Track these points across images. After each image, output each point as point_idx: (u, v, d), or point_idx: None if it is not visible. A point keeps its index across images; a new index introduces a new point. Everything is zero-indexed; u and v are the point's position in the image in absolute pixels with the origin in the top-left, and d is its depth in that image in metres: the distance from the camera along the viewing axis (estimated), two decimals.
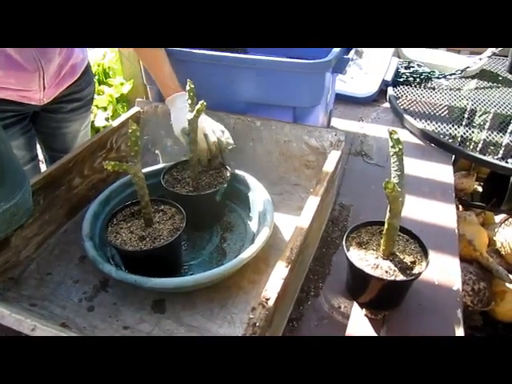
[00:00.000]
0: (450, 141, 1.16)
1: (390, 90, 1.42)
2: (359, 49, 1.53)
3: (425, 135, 1.19)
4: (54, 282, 0.76)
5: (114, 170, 0.67)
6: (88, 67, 1.17)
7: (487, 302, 1.28)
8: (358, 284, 0.72)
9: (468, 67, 1.47)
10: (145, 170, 0.86)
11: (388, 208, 0.63)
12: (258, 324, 0.52)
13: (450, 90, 1.44)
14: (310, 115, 1.01)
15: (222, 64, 0.98)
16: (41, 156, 1.23)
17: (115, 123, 0.98)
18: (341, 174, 1.04)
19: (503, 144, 1.17)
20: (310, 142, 0.93)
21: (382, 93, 1.43)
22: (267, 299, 0.55)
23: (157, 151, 1.07)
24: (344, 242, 0.71)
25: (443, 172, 1.07)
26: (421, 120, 1.25)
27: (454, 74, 1.48)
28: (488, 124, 1.27)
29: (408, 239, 0.72)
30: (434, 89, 1.45)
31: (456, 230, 0.88)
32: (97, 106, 2.17)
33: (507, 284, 1.29)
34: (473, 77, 1.53)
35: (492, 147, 1.17)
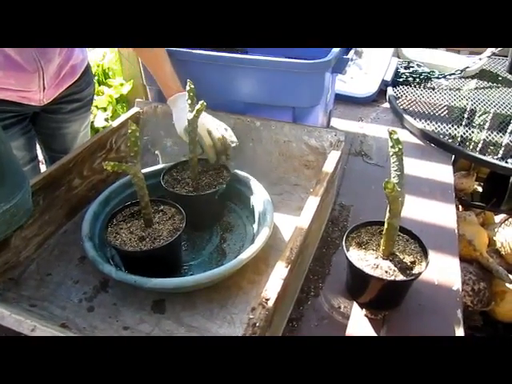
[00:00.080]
0: (450, 141, 1.16)
1: (390, 90, 1.42)
2: (359, 49, 1.53)
3: (424, 135, 1.19)
4: (54, 282, 0.76)
5: (113, 171, 0.67)
6: (88, 68, 1.17)
7: (487, 302, 1.28)
8: (357, 284, 0.72)
9: (468, 67, 1.47)
10: (144, 171, 0.86)
11: (388, 208, 0.63)
12: (257, 324, 0.52)
13: (450, 90, 1.44)
14: (309, 115, 1.01)
15: (221, 64, 0.98)
16: (41, 157, 1.23)
17: (115, 124, 0.98)
18: (340, 174, 1.04)
19: (503, 144, 1.17)
20: (309, 142, 0.93)
21: (381, 93, 1.44)
22: (267, 299, 0.55)
23: (156, 152, 1.07)
24: (344, 242, 0.71)
25: (443, 172, 1.07)
26: (420, 120, 1.25)
27: (453, 74, 1.48)
28: (488, 124, 1.27)
29: (408, 239, 0.72)
30: (433, 89, 1.45)
31: (456, 230, 0.88)
32: (96, 106, 2.17)
33: (507, 284, 1.29)
34: (472, 77, 1.53)
35: (492, 147, 1.17)
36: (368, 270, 0.66)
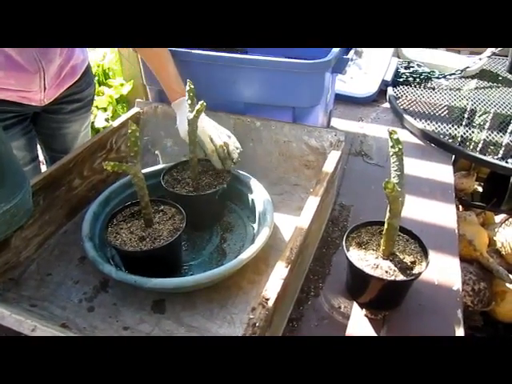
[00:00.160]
0: (450, 141, 1.16)
1: (390, 90, 1.42)
2: (359, 49, 1.53)
3: (425, 135, 1.19)
4: (54, 282, 0.76)
5: (113, 171, 0.67)
6: (88, 68, 1.17)
7: (487, 303, 1.28)
8: (358, 284, 0.72)
9: (468, 67, 1.47)
10: (145, 171, 0.87)
11: (388, 208, 0.63)
12: (257, 324, 0.52)
13: (450, 89, 1.44)
14: (309, 115, 1.01)
15: (221, 64, 0.98)
16: (41, 157, 1.23)
17: (115, 124, 0.98)
18: (341, 174, 1.04)
19: (503, 144, 1.17)
20: (309, 142, 0.93)
21: (381, 93, 1.43)
22: (267, 299, 0.55)
23: (157, 152, 1.07)
24: (344, 242, 0.71)
25: (443, 172, 1.07)
26: (421, 120, 1.25)
27: (453, 73, 1.48)
28: (488, 124, 1.27)
29: (408, 239, 0.72)
30: (433, 89, 1.45)
31: (456, 230, 0.88)
32: (97, 106, 2.17)
33: (507, 284, 1.29)
34: (473, 77, 1.53)
35: (492, 147, 1.17)
36: (368, 270, 0.66)
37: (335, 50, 0.95)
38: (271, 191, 0.87)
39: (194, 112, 0.77)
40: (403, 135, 1.21)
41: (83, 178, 0.89)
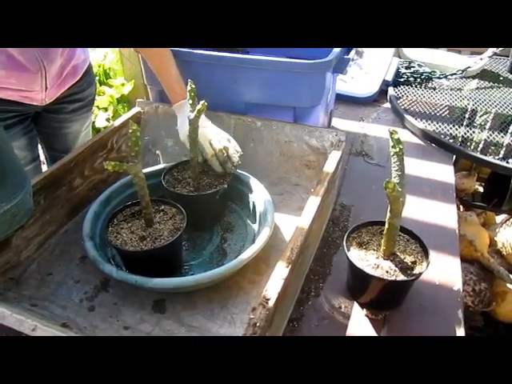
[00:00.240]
0: (451, 141, 1.16)
1: (391, 90, 1.42)
2: (360, 49, 1.53)
3: (425, 135, 1.19)
4: (55, 282, 0.76)
5: (114, 171, 0.67)
6: (89, 68, 1.17)
7: (488, 303, 1.28)
8: (358, 284, 0.72)
9: (469, 67, 1.47)
10: (145, 171, 0.87)
11: (389, 208, 0.63)
12: (258, 324, 0.52)
13: (451, 90, 1.44)
14: (310, 115, 1.01)
15: (222, 64, 0.98)
16: (42, 157, 1.23)
17: (116, 124, 0.98)
18: (341, 174, 1.04)
19: (504, 144, 1.17)
20: (310, 142, 0.93)
21: (382, 93, 1.43)
22: (267, 299, 0.55)
23: (157, 151, 1.07)
24: (345, 242, 0.71)
25: (444, 172, 1.07)
26: (421, 120, 1.25)
27: (454, 74, 1.48)
28: (489, 124, 1.27)
29: (409, 239, 0.72)
30: (434, 89, 1.45)
31: (457, 231, 0.88)
32: (98, 106, 2.17)
33: (508, 284, 1.29)
34: (474, 77, 1.53)
35: (493, 147, 1.16)
36: (369, 270, 0.66)
37: (336, 50, 0.95)
38: (272, 191, 0.87)
39: (195, 112, 0.77)
40: (404, 135, 1.21)
41: (84, 178, 0.90)
